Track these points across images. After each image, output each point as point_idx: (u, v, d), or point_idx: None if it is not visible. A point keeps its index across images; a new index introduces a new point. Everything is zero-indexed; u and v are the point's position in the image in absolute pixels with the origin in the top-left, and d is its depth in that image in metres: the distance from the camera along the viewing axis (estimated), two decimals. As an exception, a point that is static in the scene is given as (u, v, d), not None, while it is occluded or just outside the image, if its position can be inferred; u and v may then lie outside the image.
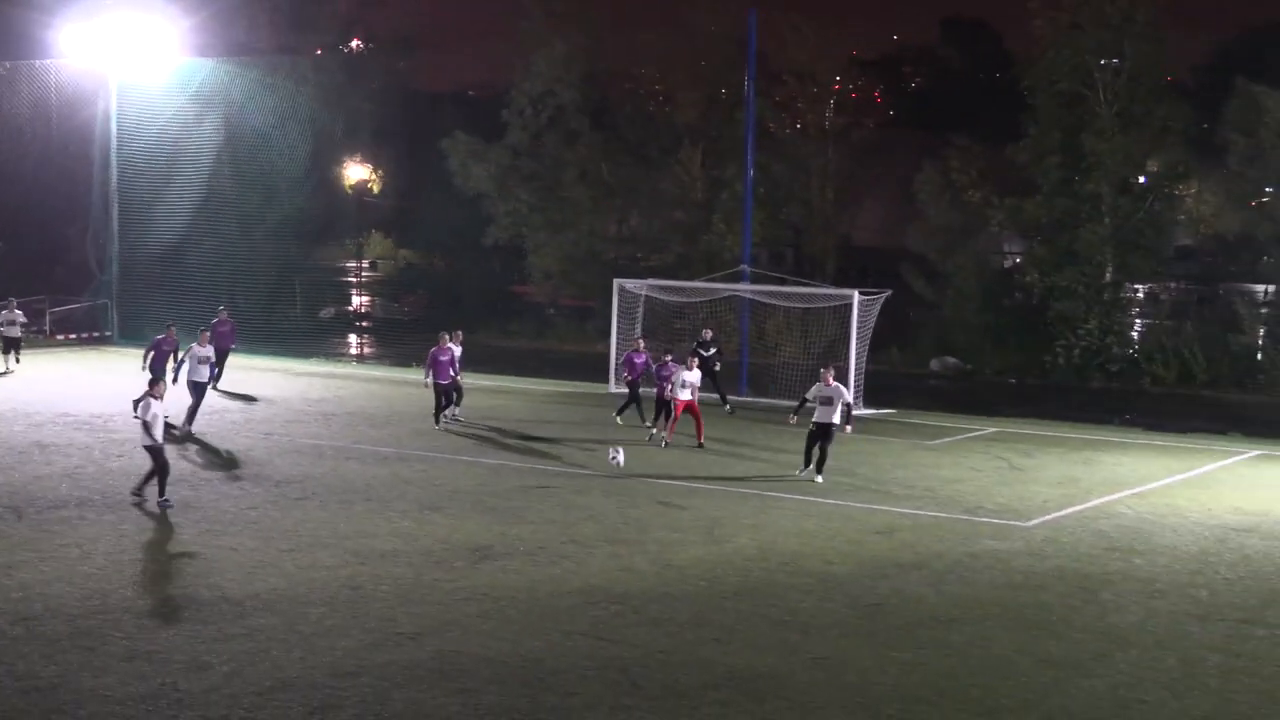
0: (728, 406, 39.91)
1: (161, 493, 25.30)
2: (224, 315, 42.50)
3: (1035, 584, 21.64)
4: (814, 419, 29.42)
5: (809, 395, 29.70)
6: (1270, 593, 21.57)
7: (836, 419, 29.21)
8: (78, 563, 21.25)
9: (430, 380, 35.87)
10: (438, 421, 35.61)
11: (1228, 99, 53.29)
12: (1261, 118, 51.21)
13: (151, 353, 35.34)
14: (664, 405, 34.61)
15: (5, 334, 44.60)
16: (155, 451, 25.14)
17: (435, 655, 17.24)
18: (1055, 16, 53.55)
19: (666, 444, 33.80)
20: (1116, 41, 52.56)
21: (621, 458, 29.96)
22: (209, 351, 35.25)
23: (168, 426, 25.66)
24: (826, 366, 30.12)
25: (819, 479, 29.24)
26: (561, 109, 64.31)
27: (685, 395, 33.79)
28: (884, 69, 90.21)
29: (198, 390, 34.59)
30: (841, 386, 29.65)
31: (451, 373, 35.59)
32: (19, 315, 45.23)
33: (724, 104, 63.30)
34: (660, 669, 16.97)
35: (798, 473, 29.82)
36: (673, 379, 34.16)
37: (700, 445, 33.78)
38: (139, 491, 25.65)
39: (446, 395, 35.63)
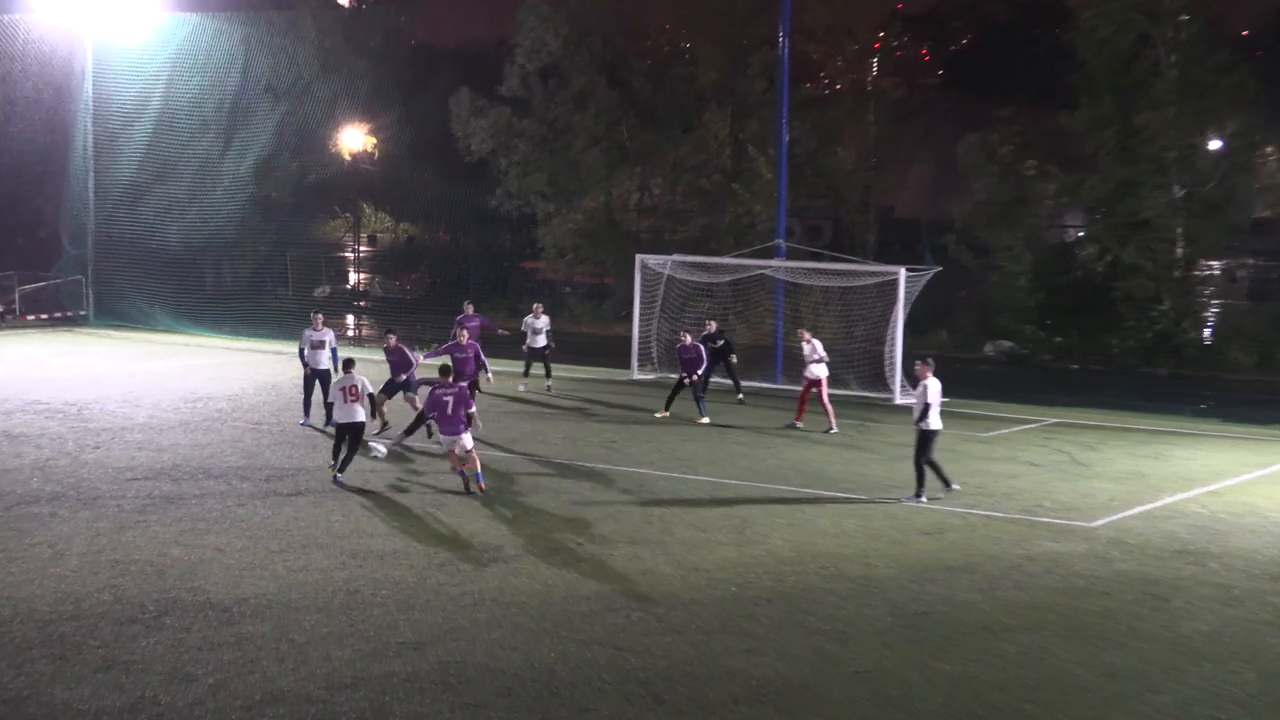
0: (740, 396, 40.52)
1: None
2: (470, 311, 40.58)
3: (1098, 590, 21.58)
4: (935, 426, 27.34)
5: (931, 400, 27.33)
6: (1357, 600, 21.48)
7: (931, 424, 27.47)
8: (50, 563, 21.32)
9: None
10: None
11: None
12: None
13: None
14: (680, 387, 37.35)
15: None
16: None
17: (439, 666, 17.26)
18: None
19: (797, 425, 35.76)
20: None
21: (381, 449, 29.11)
22: (323, 335, 34.05)
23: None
24: (928, 359, 27.90)
25: (955, 486, 27.95)
26: (571, 65, 64.22)
27: (823, 371, 35.69)
28: (931, 25, 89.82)
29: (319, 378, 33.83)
30: (925, 385, 27.31)
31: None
32: None
33: (753, 62, 63.10)
34: (684, 681, 16.96)
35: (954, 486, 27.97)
36: (815, 358, 35.59)
37: (797, 425, 35.87)
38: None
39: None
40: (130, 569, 21.15)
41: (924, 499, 27.44)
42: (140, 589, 20.12)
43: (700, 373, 37.07)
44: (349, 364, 28.49)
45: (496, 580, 21.02)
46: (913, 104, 66.45)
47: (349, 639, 18.16)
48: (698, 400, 37.05)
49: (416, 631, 18.53)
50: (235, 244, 62.96)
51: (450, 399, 26.83)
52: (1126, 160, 52.89)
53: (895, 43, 67.35)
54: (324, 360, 33.93)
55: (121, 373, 42.81)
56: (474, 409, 27.50)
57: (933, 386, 27.32)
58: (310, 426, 33.92)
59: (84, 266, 59.24)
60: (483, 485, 26.99)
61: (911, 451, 27.83)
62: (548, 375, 41.51)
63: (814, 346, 35.73)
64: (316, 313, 35.52)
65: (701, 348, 37.42)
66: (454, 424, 26.79)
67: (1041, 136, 57.50)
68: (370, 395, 28.29)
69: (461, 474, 27.10)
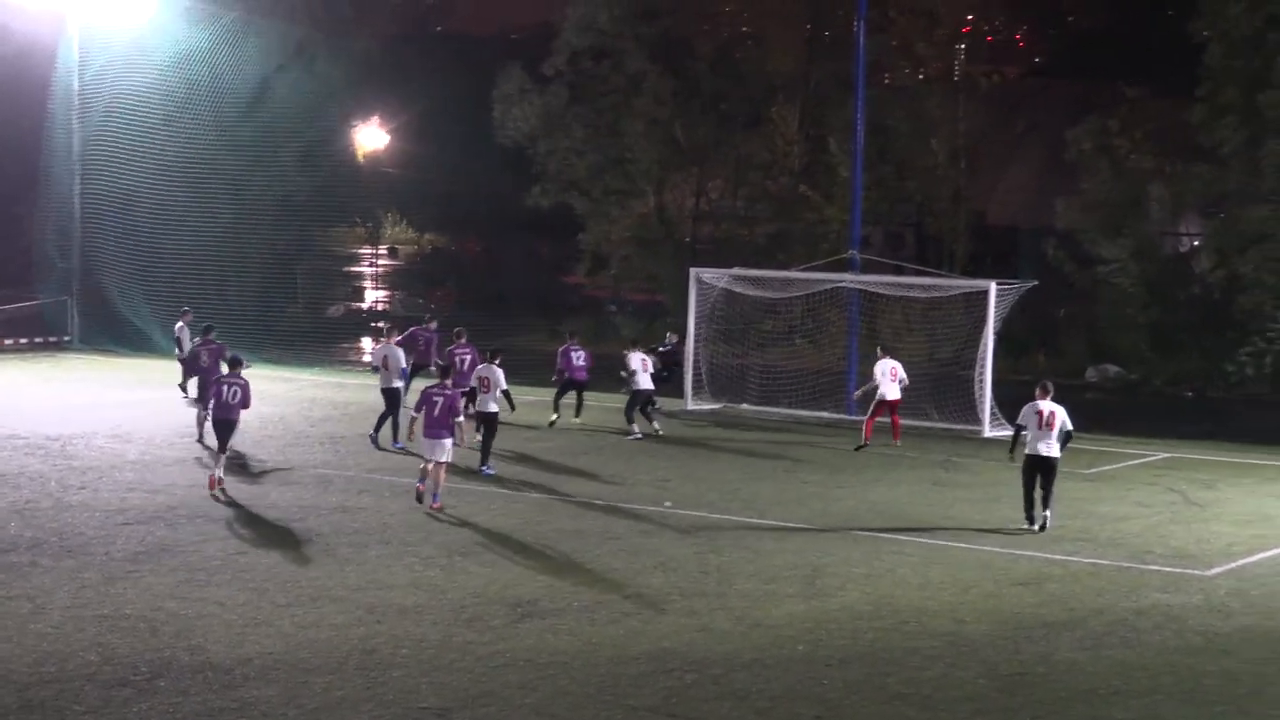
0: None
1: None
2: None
3: (1217, 647, 21.52)
4: (1028, 450, 28.66)
5: (1023, 421, 28.89)
6: None
7: (1058, 450, 28.65)
8: (29, 619, 21.47)
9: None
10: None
11: None
12: None
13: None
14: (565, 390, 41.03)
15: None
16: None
17: (468, 735, 17.33)
18: None
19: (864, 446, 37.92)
20: None
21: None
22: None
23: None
24: (1043, 384, 29.27)
25: (1034, 528, 28.64)
26: (623, 48, 64.22)
27: (897, 393, 38.00)
28: (1032, 5, 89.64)
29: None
30: (1061, 409, 28.67)
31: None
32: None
33: (827, 49, 63.14)
34: (747, 753, 16.99)
35: (1033, 527, 28.74)
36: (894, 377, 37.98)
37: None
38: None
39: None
40: (120, 625, 21.29)
41: (1034, 527, 28.63)
42: (131, 648, 20.25)
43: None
44: (494, 354, 34.36)
45: (532, 638, 21.09)
46: (1009, 96, 66.33)
47: (365, 704, 18.25)
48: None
49: (441, 696, 18.61)
50: (238, 258, 63.06)
51: (440, 400, 29.46)
52: (1248, 157, 52.67)
53: (987, 26, 67.32)
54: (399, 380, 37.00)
55: (110, 403, 43.05)
56: (461, 418, 30.21)
57: (1027, 410, 28.65)
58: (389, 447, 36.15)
59: (70, 283, 59.47)
60: (438, 505, 29.31)
61: (1009, 490, 28.32)
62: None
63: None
64: (392, 328, 39.15)
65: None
66: (436, 428, 29.30)
67: (1159, 132, 57.27)
68: (505, 391, 33.62)
69: (418, 487, 29.55)
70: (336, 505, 29.71)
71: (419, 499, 29.32)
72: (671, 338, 43.01)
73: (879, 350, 39.25)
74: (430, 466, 29.39)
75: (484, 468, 33.21)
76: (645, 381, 39.72)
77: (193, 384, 41.38)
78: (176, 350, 44.35)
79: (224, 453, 31.24)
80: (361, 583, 23.90)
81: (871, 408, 38.33)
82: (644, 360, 39.93)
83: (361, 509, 29.46)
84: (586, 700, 18.56)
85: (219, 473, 30.89)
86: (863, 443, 38.09)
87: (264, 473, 33.26)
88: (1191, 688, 19.66)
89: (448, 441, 29.41)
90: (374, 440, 36.62)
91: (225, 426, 31.08)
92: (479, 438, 34.04)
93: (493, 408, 33.39)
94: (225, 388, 31.26)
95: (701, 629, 21.79)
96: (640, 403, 39.67)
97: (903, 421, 38.96)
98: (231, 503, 29.72)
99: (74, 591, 23.01)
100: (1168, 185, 56.33)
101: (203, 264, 60.77)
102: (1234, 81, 52.87)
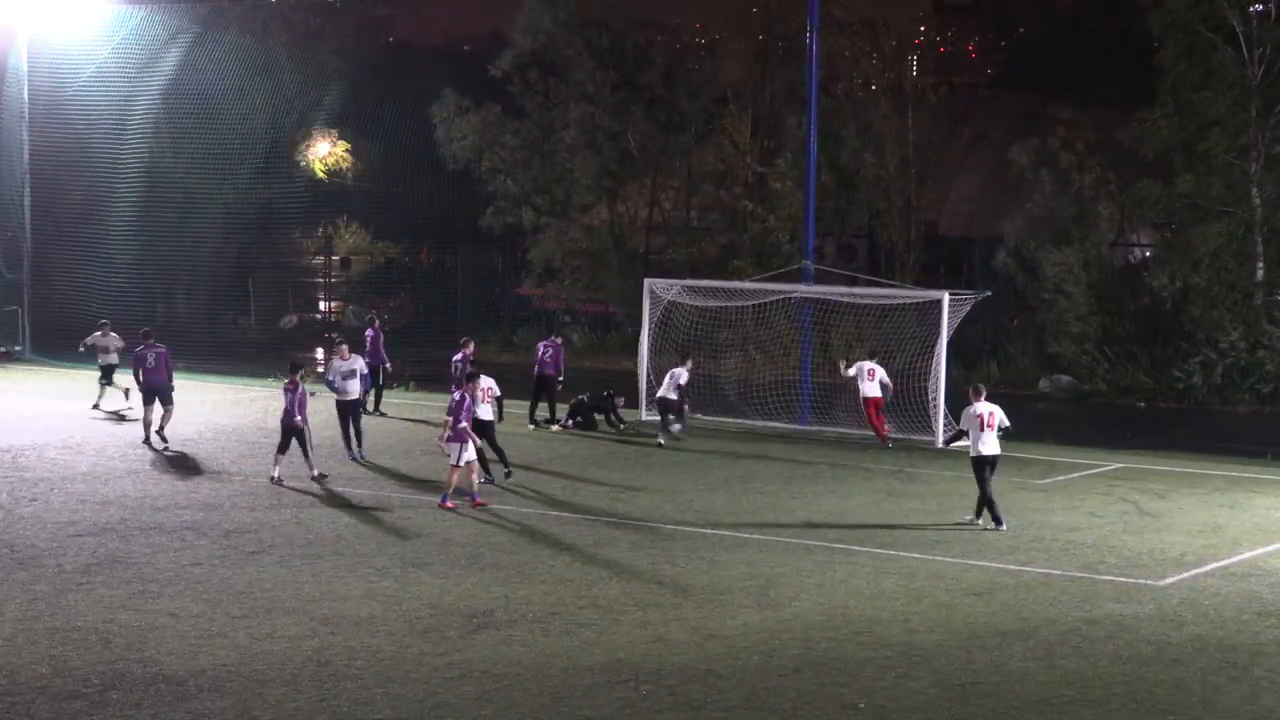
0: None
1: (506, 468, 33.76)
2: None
3: (1168, 657, 21.60)
4: (977, 452, 30.08)
5: (964, 426, 30.57)
6: None
7: (999, 447, 30.26)
8: (-20, 632, 21.39)
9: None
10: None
11: None
12: None
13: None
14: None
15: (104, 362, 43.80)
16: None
17: (422, 747, 17.31)
18: None
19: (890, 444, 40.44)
20: None
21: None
22: (353, 364, 37.42)
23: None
24: (975, 387, 31.09)
25: (1004, 527, 29.99)
26: (572, 56, 64.11)
27: (876, 391, 40.29)
28: (983, 16, 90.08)
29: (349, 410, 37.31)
30: (998, 408, 30.29)
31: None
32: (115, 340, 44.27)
33: (780, 59, 63.18)
34: (702, 764, 17.00)
35: (978, 523, 30.33)
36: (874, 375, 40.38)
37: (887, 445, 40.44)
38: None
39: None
40: (72, 637, 21.21)
41: (980, 523, 30.14)
42: (83, 660, 20.18)
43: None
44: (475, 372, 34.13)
45: (487, 649, 21.08)
46: (960, 107, 66.45)
47: (320, 716, 18.20)
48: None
49: (396, 708, 18.58)
50: (190, 267, 62.84)
51: (451, 405, 31.43)
52: (1196, 168, 52.83)
53: (938, 38, 67.46)
54: (355, 390, 36.81)
55: (61, 414, 42.84)
56: (465, 423, 31.08)
57: (966, 414, 30.29)
58: (358, 460, 36.26)
59: (20, 293, 59.16)
60: (479, 500, 31.22)
61: (962, 500, 28.99)
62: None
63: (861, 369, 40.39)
64: (342, 343, 38.34)
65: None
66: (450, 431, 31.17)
67: (1108, 143, 57.40)
68: (498, 398, 34.57)
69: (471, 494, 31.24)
70: (290, 517, 29.65)
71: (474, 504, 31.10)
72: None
73: (866, 354, 41.68)
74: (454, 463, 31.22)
75: (505, 473, 33.77)
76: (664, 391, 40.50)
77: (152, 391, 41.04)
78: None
79: (293, 454, 33.54)
80: (316, 594, 23.86)
81: (864, 409, 40.77)
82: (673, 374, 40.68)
83: (315, 520, 29.40)
84: (541, 711, 18.55)
85: (276, 473, 33.29)
86: (879, 442, 40.63)
87: (218, 484, 33.16)
88: (1143, 697, 19.74)
89: (459, 445, 30.97)
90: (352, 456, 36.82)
91: (289, 432, 33.38)
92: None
93: (490, 415, 34.03)
94: (286, 394, 33.42)
95: (656, 639, 21.80)
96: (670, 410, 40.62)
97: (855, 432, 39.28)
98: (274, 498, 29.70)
99: (25, 604, 22.92)
100: (1114, 199, 56.50)
101: (155, 274, 60.56)
102: (1185, 88, 53.01)
